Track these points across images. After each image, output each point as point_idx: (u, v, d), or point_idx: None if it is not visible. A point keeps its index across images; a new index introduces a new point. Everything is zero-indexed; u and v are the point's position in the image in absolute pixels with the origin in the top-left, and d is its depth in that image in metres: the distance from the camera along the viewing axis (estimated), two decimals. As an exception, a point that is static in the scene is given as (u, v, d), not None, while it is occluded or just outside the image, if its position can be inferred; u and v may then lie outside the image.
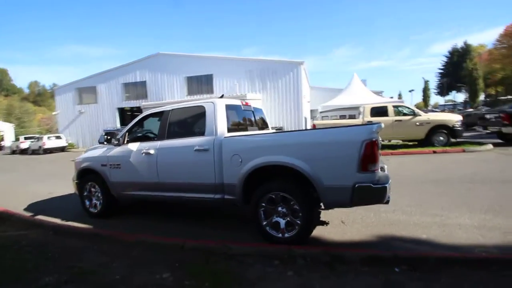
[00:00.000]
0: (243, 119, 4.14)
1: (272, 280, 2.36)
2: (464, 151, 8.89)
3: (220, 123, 3.53)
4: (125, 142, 4.33)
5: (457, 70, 51.26)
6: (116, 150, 4.34)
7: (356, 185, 2.68)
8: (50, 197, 6.42)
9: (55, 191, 6.93)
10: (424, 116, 10.27)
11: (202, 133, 3.61)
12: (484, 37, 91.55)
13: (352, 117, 18.35)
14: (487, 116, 10.74)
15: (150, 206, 5.20)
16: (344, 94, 18.80)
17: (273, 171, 3.14)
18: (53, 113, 30.10)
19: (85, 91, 24.35)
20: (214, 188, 3.47)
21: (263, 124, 4.73)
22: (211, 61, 20.57)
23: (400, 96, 57.01)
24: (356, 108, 16.88)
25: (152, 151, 3.91)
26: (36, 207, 5.60)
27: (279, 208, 3.10)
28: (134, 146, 4.14)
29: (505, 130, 9.13)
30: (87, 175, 4.73)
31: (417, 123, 10.11)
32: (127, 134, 4.38)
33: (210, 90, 20.43)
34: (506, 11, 76.82)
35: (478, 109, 24.30)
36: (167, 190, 3.87)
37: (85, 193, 4.73)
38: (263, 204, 3.14)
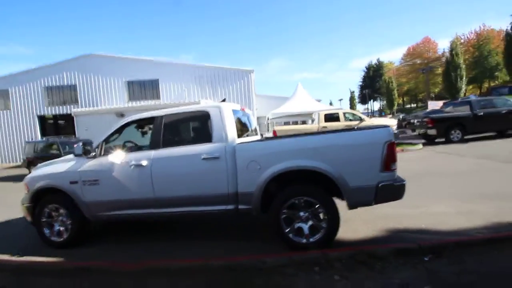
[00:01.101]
0: (244, 124, 3.99)
1: (324, 287, 2.30)
2: (403, 150, 10.36)
3: (229, 129, 3.31)
4: (102, 153, 3.69)
5: (373, 82, 60.07)
6: (91, 164, 3.66)
7: (380, 184, 2.84)
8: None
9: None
10: (368, 121, 11.65)
11: (208, 140, 3.33)
12: (394, 55, 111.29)
13: (295, 123, 19.51)
14: (413, 121, 12.78)
15: (119, 226, 4.48)
16: (290, 102, 19.84)
17: (293, 176, 3.10)
18: None
19: (-8, 95, 19.93)
20: (226, 198, 3.22)
21: (255, 130, 4.64)
22: (156, 65, 19.32)
23: (331, 104, 63.39)
24: (304, 115, 18.10)
25: (144, 162, 3.42)
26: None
27: (301, 213, 3.05)
28: (116, 158, 3.55)
29: (430, 132, 11.03)
30: (45, 196, 3.84)
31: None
32: (104, 144, 3.75)
33: (156, 96, 19.13)
34: (408, 33, 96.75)
35: (396, 115, 28.87)
36: (165, 206, 3.43)
37: (44, 219, 3.82)
38: (284, 211, 3.05)
